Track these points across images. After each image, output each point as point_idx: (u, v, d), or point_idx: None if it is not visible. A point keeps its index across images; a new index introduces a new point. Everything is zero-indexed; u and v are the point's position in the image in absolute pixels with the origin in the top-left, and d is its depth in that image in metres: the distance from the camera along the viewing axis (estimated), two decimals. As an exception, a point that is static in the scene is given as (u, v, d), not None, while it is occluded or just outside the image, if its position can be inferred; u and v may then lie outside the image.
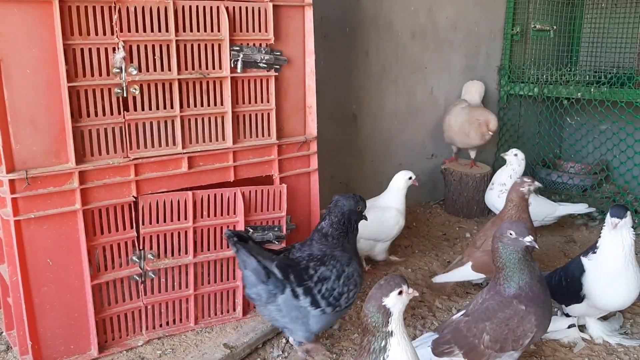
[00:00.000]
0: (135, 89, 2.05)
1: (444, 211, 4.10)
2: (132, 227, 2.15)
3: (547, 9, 4.39)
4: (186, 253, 2.27)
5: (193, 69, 2.17)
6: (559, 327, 2.43)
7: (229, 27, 2.19)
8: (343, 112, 3.68)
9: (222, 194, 2.28)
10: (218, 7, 2.16)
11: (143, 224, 2.16)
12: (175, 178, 2.22)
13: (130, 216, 2.14)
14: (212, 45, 2.19)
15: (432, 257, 3.31)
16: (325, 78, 3.14)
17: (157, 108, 2.13)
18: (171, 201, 2.19)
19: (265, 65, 2.32)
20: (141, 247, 2.18)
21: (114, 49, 1.99)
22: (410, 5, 3.83)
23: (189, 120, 2.20)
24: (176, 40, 2.10)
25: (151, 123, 2.12)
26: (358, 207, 2.24)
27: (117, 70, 2.00)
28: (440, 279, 2.76)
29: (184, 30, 2.12)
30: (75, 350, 2.13)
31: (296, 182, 2.53)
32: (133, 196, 2.13)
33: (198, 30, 2.14)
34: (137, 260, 2.18)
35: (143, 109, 2.10)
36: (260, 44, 2.30)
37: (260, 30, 2.28)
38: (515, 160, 3.36)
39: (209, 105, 2.24)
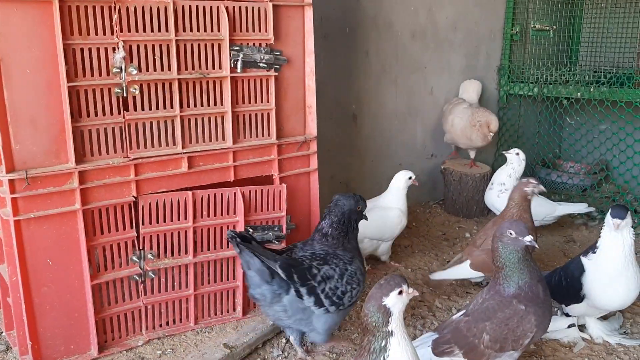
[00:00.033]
0: (135, 89, 2.05)
1: (444, 211, 4.10)
2: (132, 227, 2.15)
3: (547, 8, 4.39)
4: (186, 253, 2.27)
5: (193, 68, 2.17)
6: (558, 327, 2.43)
7: (228, 27, 2.19)
8: (343, 112, 3.68)
9: (222, 194, 2.28)
10: (218, 7, 2.16)
11: (143, 223, 2.16)
12: (175, 178, 2.22)
13: (130, 216, 2.14)
14: (212, 45, 2.19)
15: (431, 256, 3.31)
16: (325, 78, 3.14)
17: (157, 108, 2.12)
18: (171, 201, 2.19)
19: (265, 65, 2.32)
20: (141, 247, 2.18)
21: (113, 49, 1.99)
22: (410, 5, 3.83)
23: (189, 120, 2.20)
24: (176, 40, 2.10)
25: (151, 123, 2.12)
26: (358, 207, 2.24)
27: (117, 70, 2.00)
28: (437, 275, 2.77)
29: (184, 30, 2.12)
30: (75, 350, 2.13)
31: (296, 182, 2.53)
32: (133, 196, 2.13)
33: (198, 30, 2.14)
34: (137, 260, 2.18)
35: (143, 109, 2.10)
36: (260, 44, 2.30)
37: (260, 30, 2.28)
38: (516, 160, 3.36)
39: (208, 105, 2.24)
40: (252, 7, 2.25)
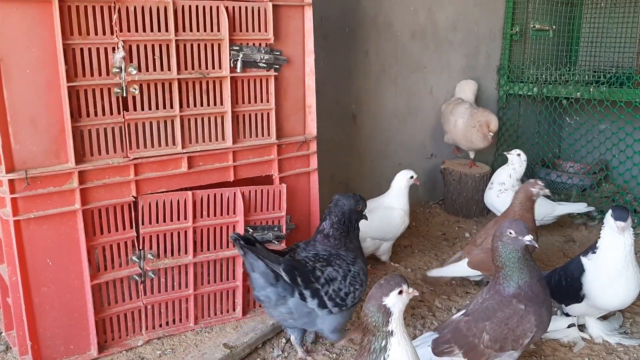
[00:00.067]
0: (135, 89, 2.05)
1: (443, 211, 4.10)
2: (131, 227, 2.15)
3: (546, 8, 4.40)
4: (186, 253, 2.27)
5: (193, 68, 2.17)
6: (558, 327, 2.43)
7: (228, 27, 2.19)
8: (343, 111, 3.68)
9: (221, 194, 2.27)
10: (218, 7, 2.16)
11: (143, 223, 2.16)
12: (175, 178, 2.22)
13: (130, 216, 2.14)
14: (212, 45, 2.19)
15: (431, 256, 3.31)
16: (324, 78, 3.14)
17: (157, 108, 2.12)
18: (171, 201, 2.19)
19: (264, 65, 2.32)
20: (141, 247, 2.18)
21: (113, 49, 1.99)
22: (410, 5, 3.83)
23: (189, 120, 2.20)
24: (176, 40, 2.10)
25: (151, 123, 2.12)
26: (358, 207, 2.24)
27: (117, 70, 2.00)
28: (435, 273, 2.78)
29: (184, 30, 2.12)
30: (75, 350, 2.13)
31: (296, 181, 2.53)
32: (133, 196, 2.12)
33: (198, 30, 2.14)
34: (136, 260, 2.18)
35: (143, 109, 2.09)
36: (260, 44, 2.30)
37: (259, 30, 2.28)
38: (517, 161, 3.36)
39: (208, 105, 2.24)
40: (252, 7, 2.25)
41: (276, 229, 2.41)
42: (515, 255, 1.92)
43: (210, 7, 2.15)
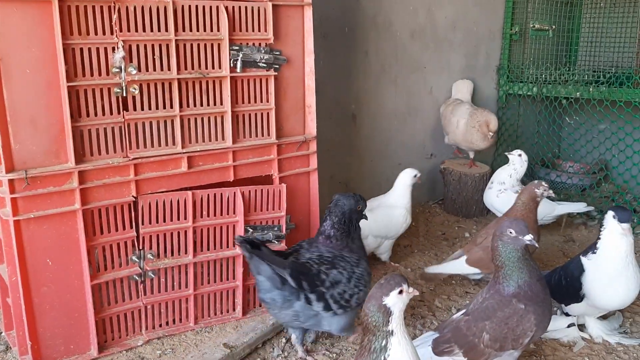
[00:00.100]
0: (135, 89, 2.05)
1: (443, 211, 4.10)
2: (131, 227, 2.15)
3: (546, 8, 4.40)
4: (186, 253, 2.27)
5: (192, 68, 2.17)
6: (558, 327, 2.43)
7: (228, 27, 2.19)
8: (342, 111, 3.68)
9: (221, 194, 2.27)
10: (217, 7, 2.16)
11: (143, 223, 2.16)
12: (175, 178, 2.22)
13: (129, 216, 2.14)
14: (212, 44, 2.19)
15: (431, 256, 3.31)
16: (324, 78, 3.15)
17: (157, 108, 2.12)
18: (171, 201, 2.19)
19: (264, 65, 2.32)
20: (141, 247, 2.18)
21: (113, 49, 1.99)
22: (409, 5, 3.83)
23: (189, 119, 2.20)
24: (176, 40, 2.10)
25: (151, 123, 2.12)
26: (358, 207, 2.24)
27: (117, 70, 2.00)
28: (433, 269, 2.79)
29: (184, 30, 2.12)
30: (75, 350, 2.13)
31: (296, 181, 2.53)
32: (133, 196, 2.12)
33: (197, 30, 2.14)
34: (136, 260, 2.18)
35: (142, 109, 2.09)
36: (260, 44, 2.30)
37: (259, 30, 2.28)
38: (518, 161, 3.36)
39: (208, 104, 2.24)
40: (252, 7, 2.25)
41: (276, 228, 2.41)
42: (515, 255, 1.92)
43: (210, 7, 2.15)
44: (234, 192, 2.29)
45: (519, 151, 3.39)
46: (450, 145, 4.06)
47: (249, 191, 2.33)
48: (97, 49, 1.96)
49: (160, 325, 2.31)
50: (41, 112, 1.90)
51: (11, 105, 1.85)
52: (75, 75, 1.94)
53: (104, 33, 1.96)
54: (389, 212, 3.02)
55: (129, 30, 2.00)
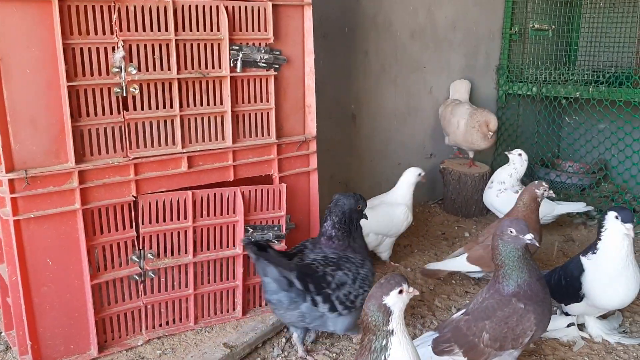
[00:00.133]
0: (135, 89, 2.05)
1: (443, 210, 4.10)
2: (131, 227, 2.15)
3: (546, 8, 4.40)
4: (186, 252, 2.26)
5: (192, 68, 2.17)
6: (558, 326, 2.43)
7: (228, 27, 2.19)
8: (342, 111, 3.68)
9: (221, 194, 2.27)
10: (217, 7, 2.16)
11: (143, 223, 2.15)
12: (175, 177, 2.22)
13: (129, 216, 2.13)
14: (212, 44, 2.19)
15: (430, 256, 3.31)
16: (324, 77, 3.15)
17: (157, 107, 2.12)
18: (171, 201, 2.19)
19: (264, 65, 2.32)
20: (141, 247, 2.18)
21: (113, 49, 1.99)
22: (409, 4, 3.83)
23: (189, 119, 2.20)
24: (176, 40, 2.10)
25: (151, 122, 2.12)
26: (358, 206, 2.25)
27: (117, 70, 2.00)
28: (433, 266, 2.81)
29: (184, 30, 2.12)
30: (75, 350, 2.13)
31: (295, 181, 2.53)
32: (133, 196, 2.12)
33: (197, 30, 2.14)
34: (136, 259, 2.18)
35: (143, 109, 2.09)
36: (260, 44, 2.30)
37: (259, 30, 2.28)
38: (518, 160, 3.37)
39: (208, 104, 2.24)
40: (252, 7, 2.25)
41: (276, 228, 2.41)
42: (516, 254, 1.92)
43: (210, 7, 2.15)
44: (234, 192, 2.29)
45: (518, 150, 3.39)
46: (451, 146, 4.06)
47: (249, 191, 2.33)
48: (97, 48, 1.96)
49: (160, 325, 2.31)
50: (41, 112, 1.90)
51: (11, 105, 1.84)
52: (75, 75, 1.94)
53: (104, 33, 1.96)
54: (390, 210, 3.04)
55: (129, 30, 2.00)
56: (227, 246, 2.34)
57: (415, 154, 4.13)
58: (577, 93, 3.96)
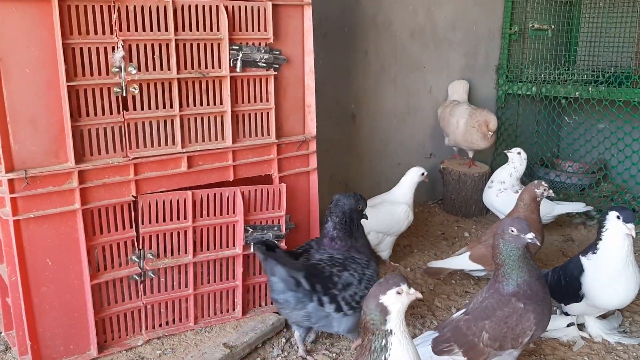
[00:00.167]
0: (135, 88, 2.05)
1: (443, 210, 4.10)
2: (131, 227, 2.15)
3: (545, 8, 4.40)
4: (185, 253, 2.26)
5: (192, 68, 2.17)
6: (558, 326, 2.43)
7: (228, 27, 2.19)
8: (342, 111, 3.68)
9: (221, 194, 2.27)
10: (217, 7, 2.16)
11: (142, 223, 2.15)
12: (175, 177, 2.22)
13: (129, 216, 2.13)
14: (212, 44, 2.19)
15: (430, 256, 3.31)
16: (324, 77, 3.15)
17: (157, 107, 2.12)
18: (170, 201, 2.18)
19: (264, 65, 2.31)
20: (141, 247, 2.18)
21: (113, 48, 1.98)
22: (409, 4, 3.83)
23: (189, 119, 2.20)
24: (175, 40, 2.09)
25: (150, 122, 2.12)
26: (359, 206, 2.25)
27: (117, 70, 2.00)
28: (435, 264, 2.82)
29: (184, 30, 2.11)
30: (75, 350, 2.13)
31: (295, 181, 2.53)
32: (132, 196, 2.12)
33: (197, 30, 2.14)
34: (136, 259, 2.18)
35: (142, 109, 2.09)
36: (260, 43, 2.29)
37: (259, 30, 2.28)
38: (517, 159, 3.37)
39: (208, 104, 2.23)
40: (252, 7, 2.24)
41: (276, 228, 2.41)
42: (516, 253, 1.92)
43: (210, 7, 2.15)
44: (234, 192, 2.29)
45: (517, 149, 3.40)
46: (451, 146, 4.06)
47: (249, 191, 2.33)
48: (97, 48, 1.96)
49: (160, 325, 2.31)
50: (41, 111, 1.90)
51: (11, 105, 1.84)
52: (75, 75, 1.94)
53: (103, 33, 1.96)
54: (391, 209, 3.05)
55: (128, 30, 2.00)
56: (227, 246, 2.34)
57: (414, 153, 4.13)
58: (577, 93, 3.96)
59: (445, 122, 3.95)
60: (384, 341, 1.50)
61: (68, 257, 2.04)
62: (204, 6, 2.14)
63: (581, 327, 2.45)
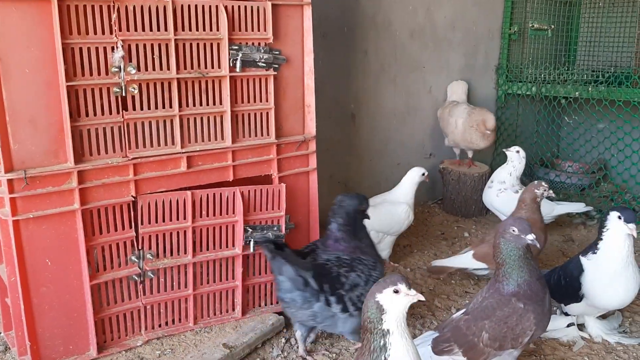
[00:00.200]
0: (134, 88, 2.05)
1: (442, 210, 4.10)
2: (131, 227, 2.14)
3: (545, 8, 4.40)
4: (185, 253, 2.26)
5: (192, 68, 2.16)
6: (558, 326, 2.43)
7: (227, 26, 2.19)
8: (342, 111, 3.68)
9: (221, 194, 2.27)
10: (217, 6, 2.16)
11: (142, 223, 2.15)
12: (174, 177, 2.21)
13: (129, 216, 2.13)
14: (211, 44, 2.18)
15: (430, 256, 3.31)
16: (324, 77, 3.14)
17: (156, 107, 2.12)
18: (170, 201, 2.18)
19: (264, 65, 2.31)
20: (140, 247, 2.17)
21: (112, 48, 1.98)
22: (408, 4, 3.83)
23: (188, 119, 2.20)
24: (175, 40, 2.09)
25: (150, 122, 2.12)
26: (362, 206, 2.26)
27: (116, 70, 2.00)
28: (439, 262, 2.83)
29: (183, 30, 2.11)
30: (74, 350, 2.12)
31: (295, 181, 2.52)
32: (132, 196, 2.12)
33: (197, 30, 2.14)
34: (136, 260, 2.18)
35: (142, 109, 2.09)
36: (259, 43, 2.29)
37: (259, 30, 2.28)
38: (516, 158, 3.37)
39: (207, 104, 2.23)
40: (251, 7, 2.24)
41: (275, 228, 2.41)
42: (516, 253, 1.92)
43: (210, 7, 2.15)
44: (234, 192, 2.29)
45: (516, 147, 3.40)
46: (451, 147, 4.06)
47: (249, 191, 2.32)
48: (97, 48, 1.96)
49: (160, 326, 2.31)
50: (40, 112, 1.90)
51: (10, 105, 1.84)
52: (75, 75, 1.93)
53: (103, 32, 1.96)
54: (392, 208, 3.06)
55: (128, 30, 2.00)
56: (227, 246, 2.33)
57: (414, 153, 4.13)
58: (577, 93, 3.96)
59: (444, 123, 3.95)
60: (382, 341, 1.50)
61: (67, 257, 2.03)
62: (203, 6, 2.13)
63: (581, 327, 2.45)
